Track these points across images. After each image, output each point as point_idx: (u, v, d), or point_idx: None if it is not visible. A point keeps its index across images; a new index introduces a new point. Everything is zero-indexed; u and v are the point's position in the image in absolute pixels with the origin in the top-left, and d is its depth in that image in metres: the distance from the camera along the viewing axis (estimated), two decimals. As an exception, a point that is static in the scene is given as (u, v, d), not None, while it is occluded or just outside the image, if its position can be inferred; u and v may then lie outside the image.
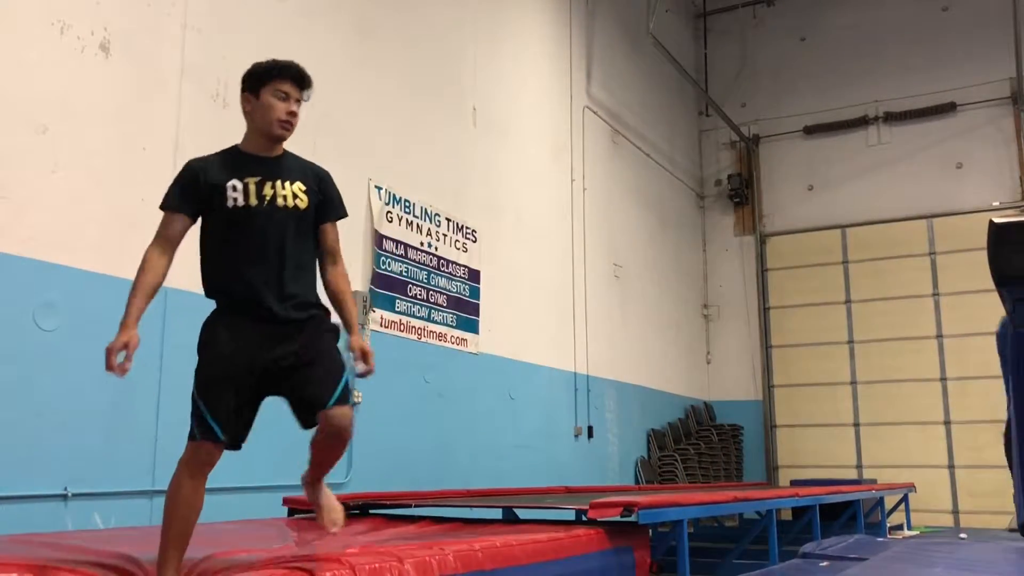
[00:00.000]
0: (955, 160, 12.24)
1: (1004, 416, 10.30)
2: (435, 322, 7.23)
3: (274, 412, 5.76)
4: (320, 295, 2.96)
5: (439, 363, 7.22)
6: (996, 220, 2.52)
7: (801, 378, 12.78)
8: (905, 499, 10.36)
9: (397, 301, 6.82)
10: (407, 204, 7.05)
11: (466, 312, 7.65)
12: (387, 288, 6.72)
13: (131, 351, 2.72)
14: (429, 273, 7.23)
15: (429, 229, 7.30)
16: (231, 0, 5.62)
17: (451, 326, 7.43)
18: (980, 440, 11.38)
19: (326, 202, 2.97)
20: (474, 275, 7.82)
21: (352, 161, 6.50)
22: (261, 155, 3.01)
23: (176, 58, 5.20)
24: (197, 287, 5.15)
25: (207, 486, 2.90)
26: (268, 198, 2.85)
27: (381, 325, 6.60)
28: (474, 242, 7.88)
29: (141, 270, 2.92)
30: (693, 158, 13.81)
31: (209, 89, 5.39)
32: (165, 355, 4.90)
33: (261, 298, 2.77)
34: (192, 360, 5.16)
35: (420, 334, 7.05)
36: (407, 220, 7.04)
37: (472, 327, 7.71)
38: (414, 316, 6.99)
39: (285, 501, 5.00)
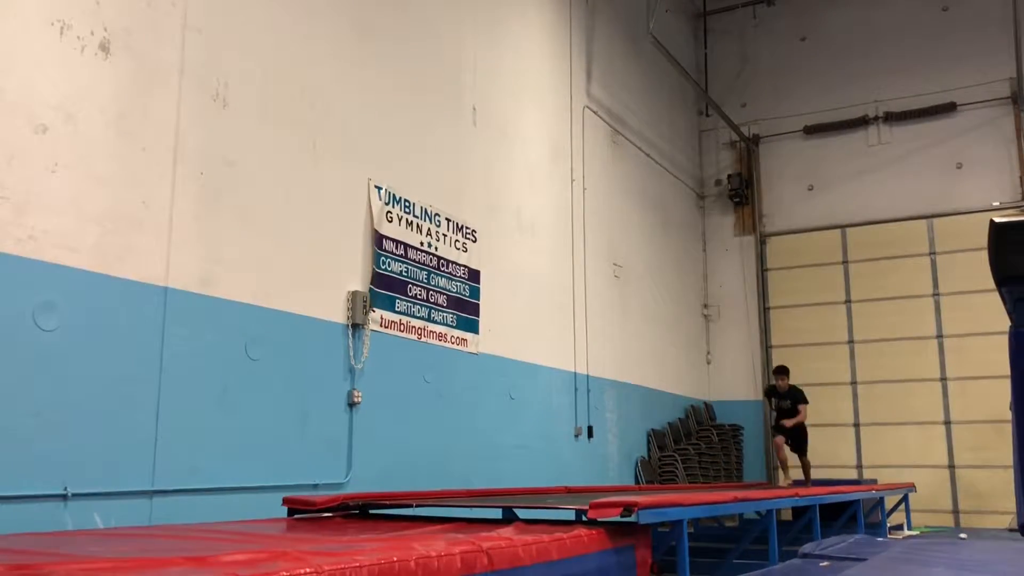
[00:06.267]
0: (955, 160, 12.25)
1: (1008, 416, 10.31)
2: (435, 322, 7.23)
3: (274, 413, 5.78)
4: None
5: (439, 363, 7.23)
6: (996, 220, 2.52)
7: (801, 378, 12.72)
8: (905, 499, 10.36)
9: (397, 301, 6.82)
10: (407, 204, 7.05)
11: (466, 312, 7.65)
12: (387, 288, 6.72)
13: None
14: (429, 273, 7.23)
15: (429, 229, 7.30)
16: (231, 0, 5.61)
17: (451, 326, 7.43)
18: (980, 440, 11.39)
19: None
20: (474, 275, 7.82)
21: (352, 161, 6.50)
22: None
23: (176, 58, 5.20)
24: (196, 288, 5.18)
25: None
26: None
27: (381, 325, 6.60)
28: (474, 242, 7.88)
29: None
30: (693, 158, 13.81)
31: (209, 89, 5.39)
32: (165, 355, 4.90)
33: None
34: (191, 358, 5.18)
35: (420, 334, 7.05)
36: (407, 220, 7.04)
37: (472, 327, 7.71)
38: (414, 316, 6.99)
39: (285, 501, 5.00)
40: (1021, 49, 11.79)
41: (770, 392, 10.13)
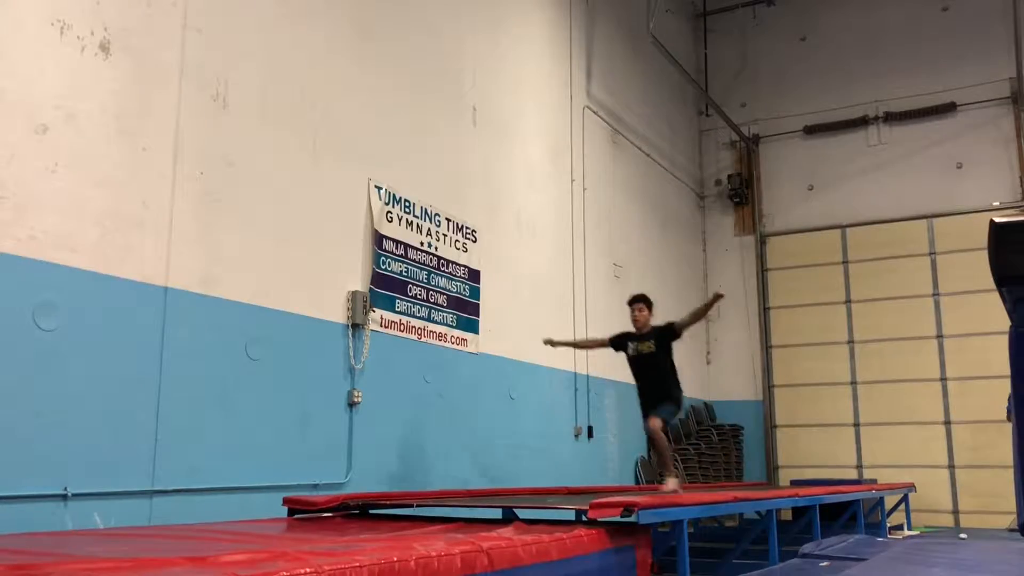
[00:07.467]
0: (955, 160, 12.25)
1: (1004, 416, 10.31)
2: (435, 322, 7.23)
3: (274, 414, 5.78)
4: None
5: (439, 363, 7.23)
6: (996, 220, 2.52)
7: (801, 378, 12.78)
8: (905, 499, 10.36)
9: (397, 301, 6.82)
10: (407, 204, 7.05)
11: (466, 312, 7.65)
12: (387, 288, 6.72)
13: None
14: (429, 273, 7.23)
15: (429, 229, 7.30)
16: (231, 0, 5.61)
17: (451, 326, 7.43)
18: (980, 440, 11.39)
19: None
20: (474, 275, 7.82)
21: (352, 161, 6.51)
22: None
23: (176, 58, 5.20)
24: (197, 288, 5.18)
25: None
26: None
27: (381, 325, 6.60)
28: (474, 242, 7.88)
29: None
30: (693, 158, 13.81)
31: (209, 89, 5.39)
32: (165, 355, 4.90)
33: None
34: (191, 358, 5.19)
35: (420, 334, 7.05)
36: (407, 220, 7.04)
37: (472, 327, 7.71)
38: (414, 316, 6.99)
39: (285, 501, 5.00)
40: (1021, 49, 11.78)
41: (622, 338, 6.68)
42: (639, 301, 6.74)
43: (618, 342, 6.77)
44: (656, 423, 6.28)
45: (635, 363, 6.62)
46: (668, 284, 12.25)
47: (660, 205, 12.27)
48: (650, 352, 6.51)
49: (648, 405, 6.49)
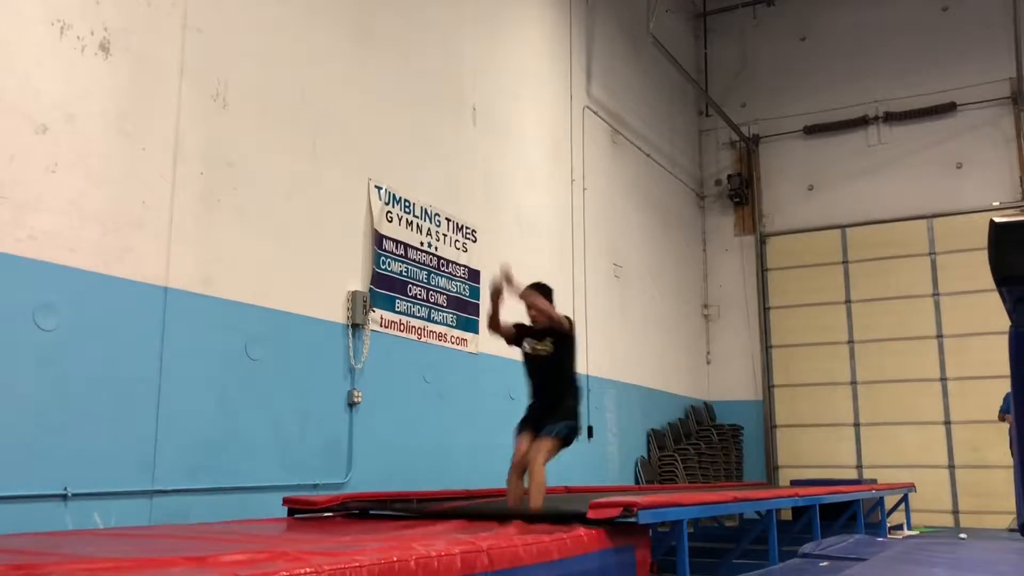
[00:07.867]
0: (955, 160, 12.25)
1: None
2: (435, 322, 7.23)
3: (274, 413, 5.78)
4: None
5: (439, 363, 7.22)
6: (996, 220, 2.51)
7: (801, 378, 12.78)
8: (905, 499, 10.36)
9: (397, 301, 6.82)
10: (407, 204, 7.05)
11: (466, 312, 7.65)
12: (387, 288, 6.72)
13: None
14: (429, 273, 7.23)
15: (429, 229, 7.29)
16: (231, 0, 5.61)
17: (451, 326, 7.43)
18: (980, 440, 11.39)
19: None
20: (474, 275, 7.82)
21: (352, 161, 6.50)
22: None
23: (176, 58, 5.20)
24: (196, 288, 5.18)
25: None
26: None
27: (381, 325, 6.59)
28: (474, 242, 7.87)
29: None
30: (693, 158, 13.81)
31: (209, 89, 5.39)
32: (165, 355, 4.90)
33: None
34: (191, 358, 5.18)
35: (420, 334, 7.05)
36: (407, 220, 7.03)
37: (472, 327, 7.70)
38: (414, 316, 6.99)
39: (285, 501, 5.00)
40: (1021, 49, 11.79)
41: (520, 330, 5.30)
42: (535, 290, 5.28)
43: (518, 335, 5.40)
44: (543, 450, 4.95)
45: (529, 364, 5.35)
46: (668, 284, 12.25)
47: (660, 205, 12.27)
48: (547, 354, 5.23)
49: (535, 417, 5.18)
